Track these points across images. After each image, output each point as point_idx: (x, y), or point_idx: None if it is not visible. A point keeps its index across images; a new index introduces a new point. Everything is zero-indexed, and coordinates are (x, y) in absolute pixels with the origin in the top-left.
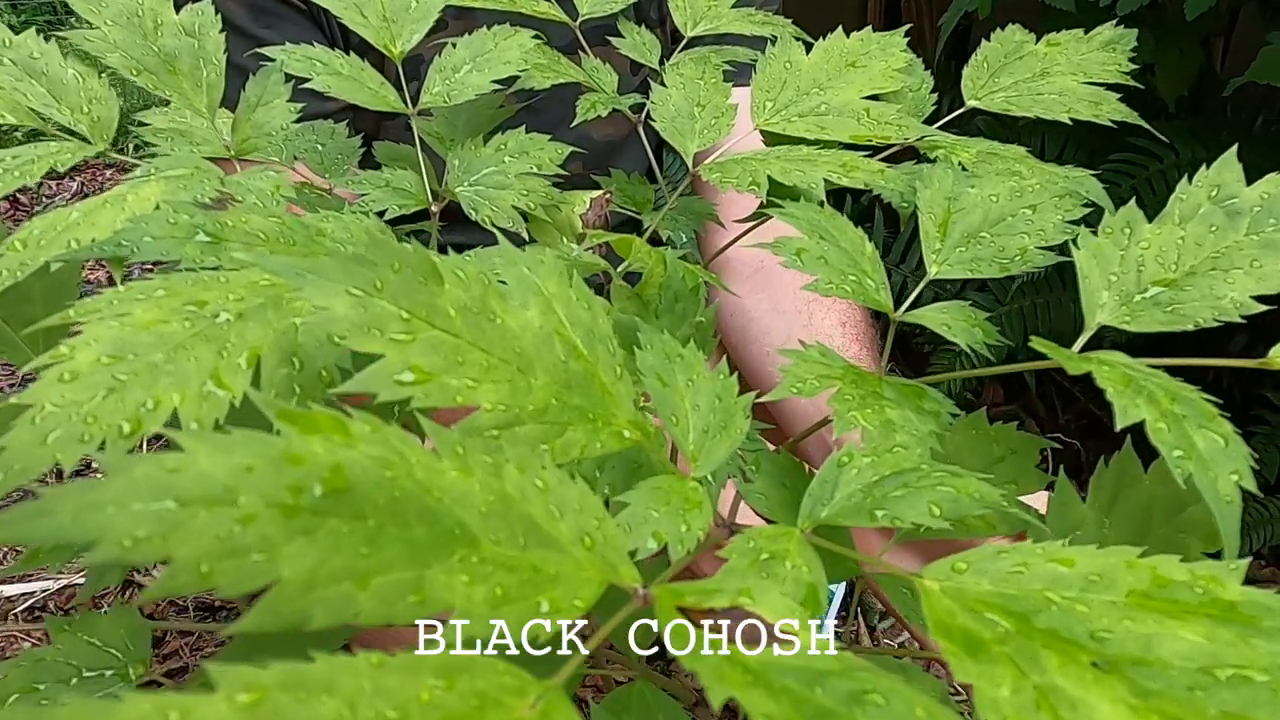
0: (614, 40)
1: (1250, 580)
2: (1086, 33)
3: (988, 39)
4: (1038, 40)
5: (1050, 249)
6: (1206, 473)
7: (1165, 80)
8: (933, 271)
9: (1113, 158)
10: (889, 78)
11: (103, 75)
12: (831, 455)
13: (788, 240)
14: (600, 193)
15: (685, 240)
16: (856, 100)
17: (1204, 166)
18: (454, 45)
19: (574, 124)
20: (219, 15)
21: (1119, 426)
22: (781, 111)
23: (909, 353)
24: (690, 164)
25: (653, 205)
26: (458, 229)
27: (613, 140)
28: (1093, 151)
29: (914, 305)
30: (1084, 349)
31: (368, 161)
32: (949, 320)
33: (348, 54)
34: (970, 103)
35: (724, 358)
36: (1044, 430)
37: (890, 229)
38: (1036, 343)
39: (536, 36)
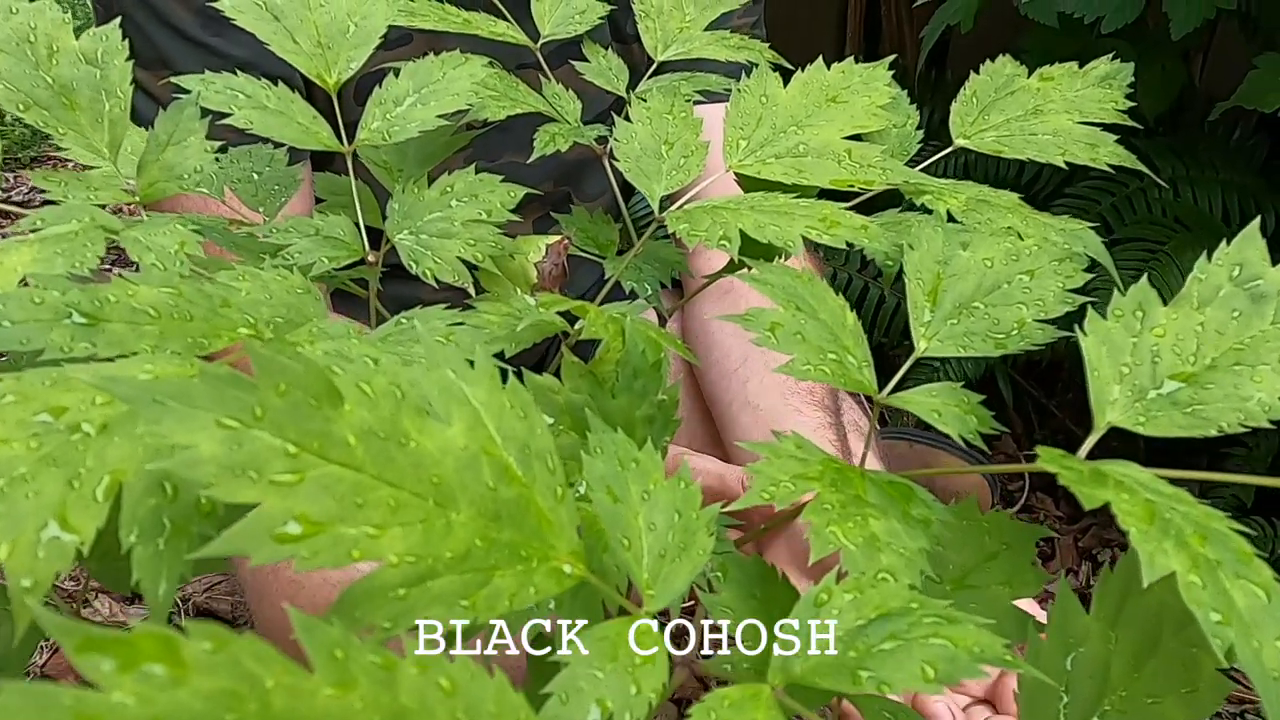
0: (577, 65)
1: None
2: (1081, 65)
3: (978, 54)
4: (1029, 74)
5: (1049, 322)
6: (1249, 641)
7: (1147, 96)
8: (921, 348)
9: (1091, 174)
10: (872, 115)
11: None
12: (809, 591)
13: (760, 314)
14: (557, 239)
15: (650, 292)
16: (837, 140)
17: (1185, 185)
18: (395, 75)
19: (531, 159)
20: (127, 41)
21: (1146, 582)
22: (756, 152)
23: (881, 359)
24: (656, 208)
25: (617, 247)
26: (400, 278)
27: (586, 157)
28: (1070, 168)
29: (901, 384)
30: (1091, 453)
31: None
32: (939, 406)
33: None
34: (959, 141)
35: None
36: (1020, 444)
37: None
38: (1045, 456)
39: (491, 61)
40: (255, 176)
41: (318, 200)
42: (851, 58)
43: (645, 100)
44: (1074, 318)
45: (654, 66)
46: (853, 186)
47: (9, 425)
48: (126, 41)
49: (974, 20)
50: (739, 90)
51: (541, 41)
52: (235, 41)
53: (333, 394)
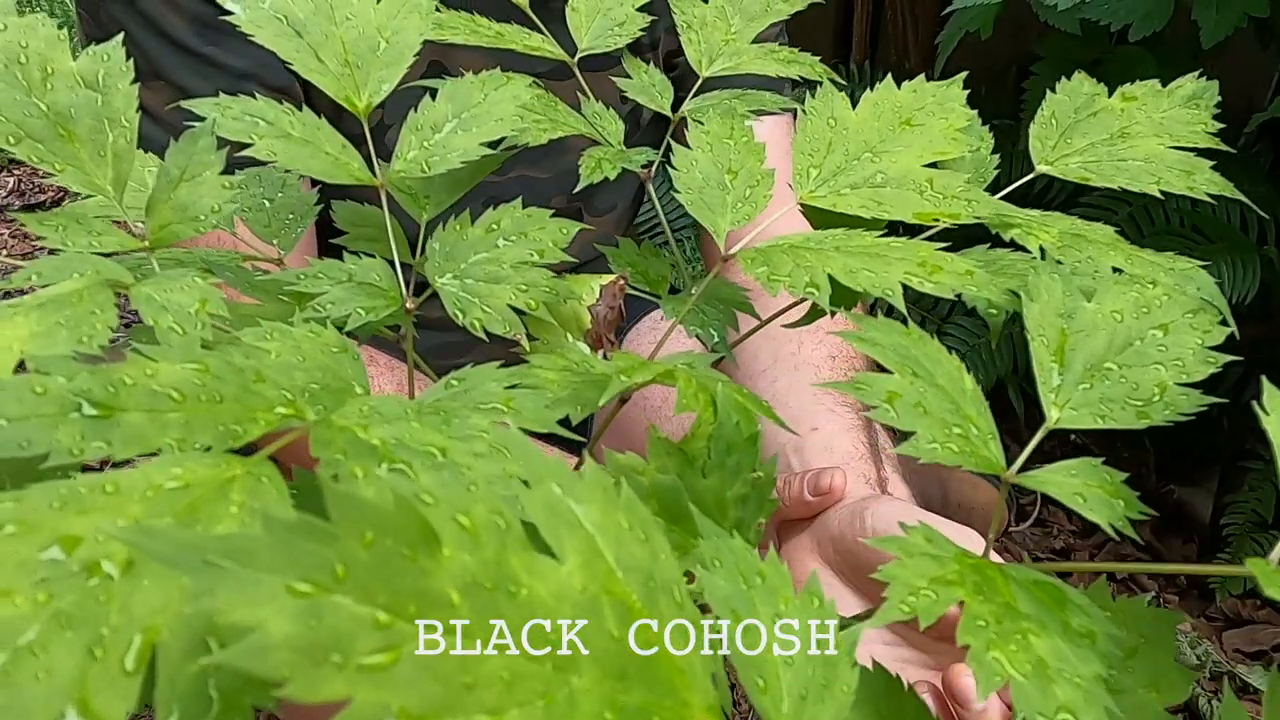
0: (619, 81)
1: (1241, 620)
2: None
3: (979, 57)
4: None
5: (1192, 386)
6: None
7: None
8: (1053, 417)
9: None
10: (951, 140)
11: None
12: None
13: (873, 381)
14: (612, 279)
15: (717, 339)
16: (917, 169)
17: None
18: (432, 97)
19: (577, 188)
20: (131, 61)
21: None
22: (829, 181)
23: None
24: (723, 246)
25: (669, 284)
26: (432, 323)
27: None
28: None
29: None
30: None
31: (325, 221)
32: (1081, 489)
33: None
34: (1041, 168)
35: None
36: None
37: None
38: (1254, 567)
39: (535, 82)
40: (266, 204)
41: (335, 231)
42: (921, 77)
43: (703, 123)
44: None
45: (698, 83)
46: (938, 220)
47: (10, 569)
48: (131, 62)
49: (993, 26)
50: (805, 113)
51: (579, 55)
52: (234, 51)
53: (428, 536)
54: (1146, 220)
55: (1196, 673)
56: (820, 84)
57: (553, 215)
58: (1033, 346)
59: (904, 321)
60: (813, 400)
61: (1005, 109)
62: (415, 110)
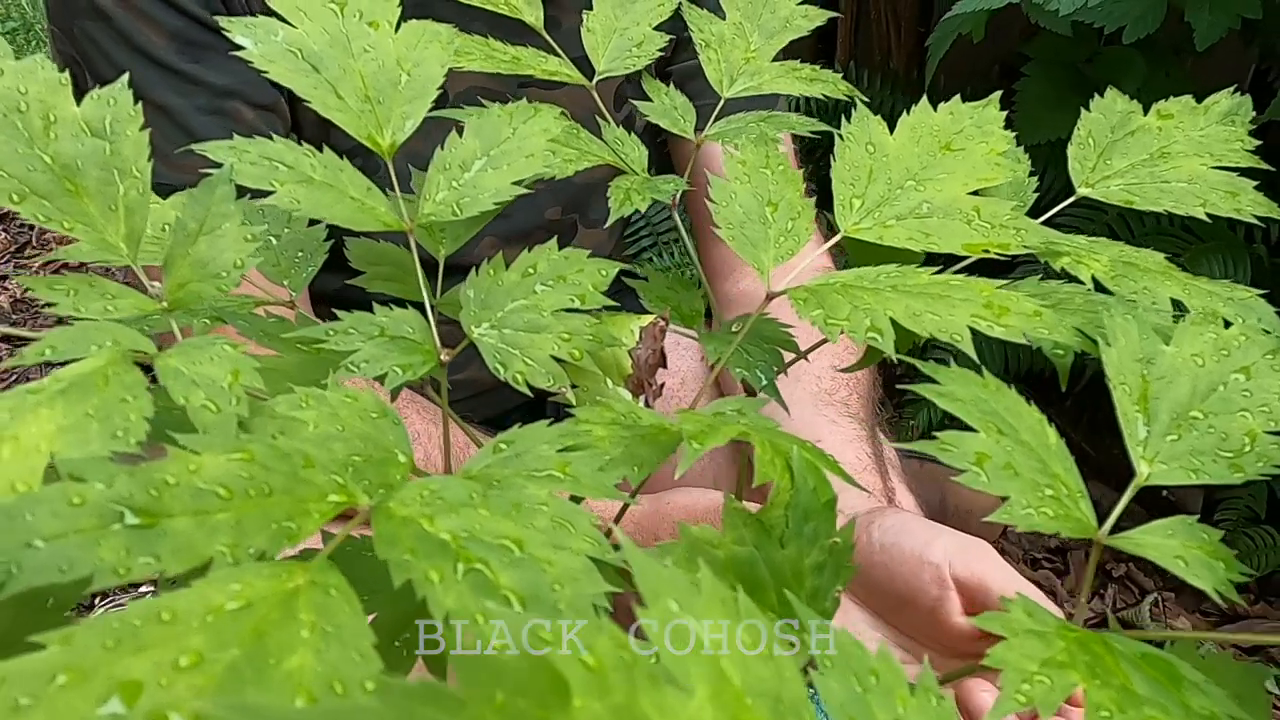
0: (639, 105)
1: (1237, 616)
2: (1198, 98)
3: (962, 58)
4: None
5: None
6: None
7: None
8: (1144, 473)
9: None
10: (994, 165)
11: None
12: None
13: (960, 441)
14: (651, 319)
15: (765, 383)
16: (963, 197)
17: None
18: (459, 133)
19: (609, 222)
20: (140, 104)
21: None
22: (874, 213)
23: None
24: (768, 283)
25: (703, 315)
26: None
27: (592, 181)
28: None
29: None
30: None
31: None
32: (1181, 551)
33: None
34: (1082, 190)
35: None
36: None
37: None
38: None
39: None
40: (273, 241)
41: (348, 270)
42: (957, 99)
43: (739, 154)
44: None
45: (720, 105)
46: (988, 251)
47: None
48: (139, 106)
49: (984, 29)
50: (842, 138)
51: (597, 79)
52: (216, 68)
53: (558, 687)
54: (1136, 220)
55: None
56: (854, 104)
57: (549, 226)
58: (1115, 396)
59: (978, 370)
60: (814, 412)
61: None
62: (442, 148)
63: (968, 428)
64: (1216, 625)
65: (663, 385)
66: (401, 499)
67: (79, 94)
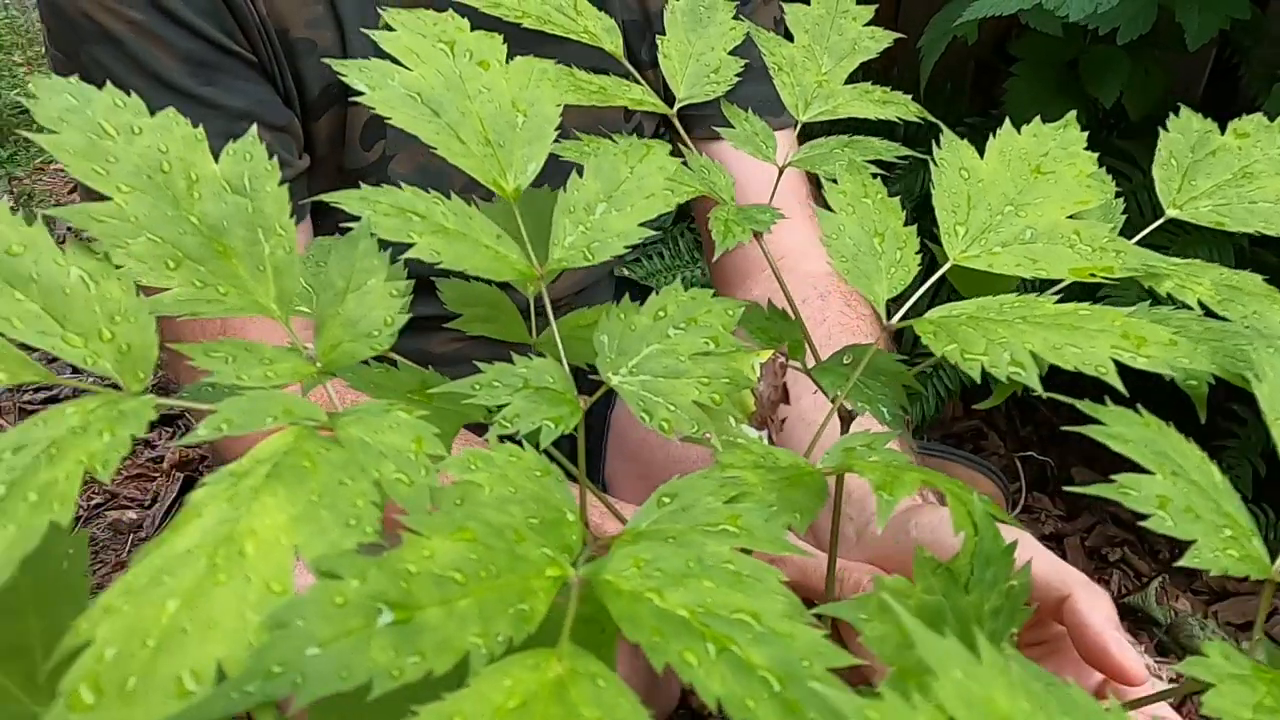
0: (722, 131)
1: (1225, 594)
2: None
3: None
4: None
5: None
6: None
7: (1132, 99)
8: None
9: None
10: (1085, 188)
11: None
12: None
13: (1139, 483)
14: (770, 355)
15: (889, 418)
16: (1063, 221)
17: None
18: (579, 174)
19: (716, 256)
20: (274, 159)
21: None
22: (979, 239)
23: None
24: (883, 314)
25: (805, 347)
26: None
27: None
28: None
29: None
30: None
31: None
32: None
33: (307, 116)
34: (1171, 212)
35: None
36: (1006, 444)
37: None
38: None
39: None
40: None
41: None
42: (1038, 120)
43: (840, 184)
44: None
45: (797, 128)
46: (1094, 275)
47: None
48: (275, 160)
49: (977, 31)
50: (936, 164)
51: (678, 105)
52: (231, 90)
53: None
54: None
55: None
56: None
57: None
58: (1274, 433)
59: (1131, 406)
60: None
61: (973, 107)
62: (564, 191)
63: (1137, 467)
64: (1209, 604)
65: (784, 420)
66: (616, 571)
67: None
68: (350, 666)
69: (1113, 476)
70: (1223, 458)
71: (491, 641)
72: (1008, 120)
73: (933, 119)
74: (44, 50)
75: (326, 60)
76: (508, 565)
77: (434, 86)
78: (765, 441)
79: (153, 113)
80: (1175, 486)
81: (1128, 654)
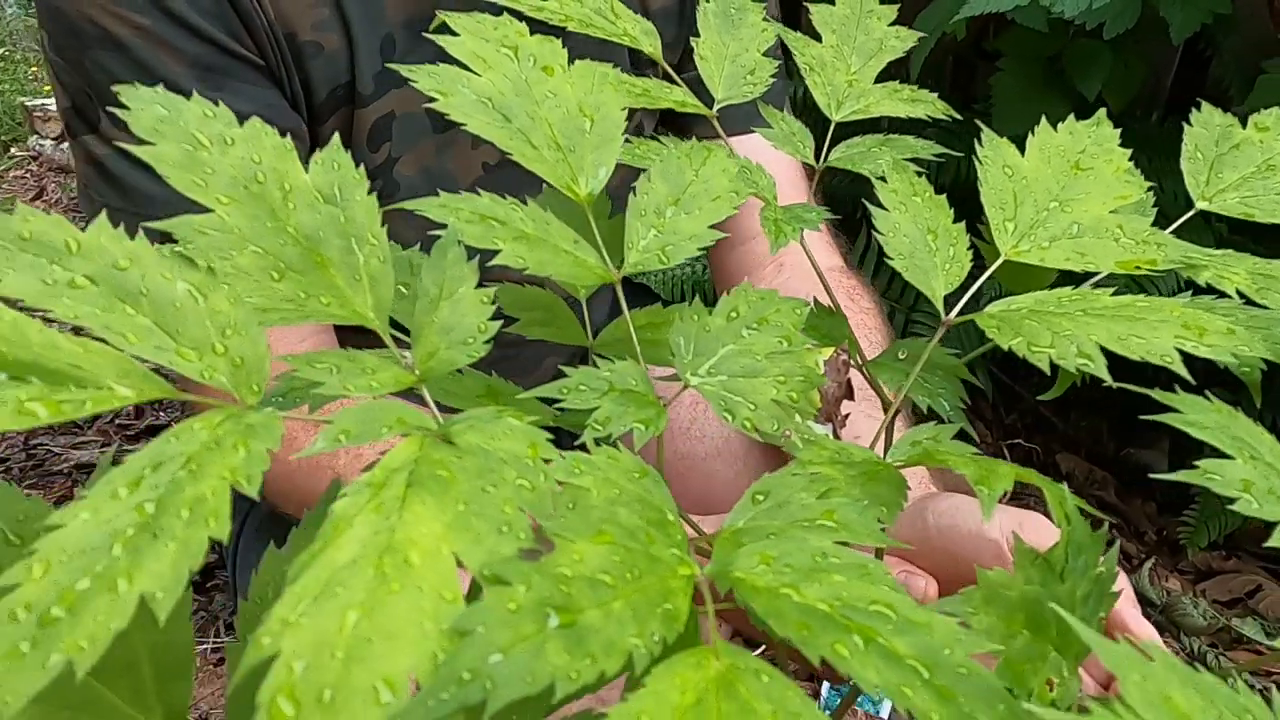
0: (759, 130)
1: (1211, 572)
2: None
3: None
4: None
5: None
6: None
7: (1113, 91)
8: None
9: None
10: (1125, 183)
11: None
12: None
13: (1222, 468)
14: (832, 352)
15: (950, 410)
16: (1107, 216)
17: (1152, 175)
18: (648, 177)
19: (775, 252)
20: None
21: None
22: (1028, 235)
23: None
24: (941, 310)
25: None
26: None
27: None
28: None
29: None
30: None
31: None
32: None
33: (314, 119)
34: (1200, 205)
35: None
36: (993, 432)
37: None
38: None
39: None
40: (402, 291)
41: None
42: (1072, 118)
43: (889, 183)
44: None
45: (831, 129)
46: (1138, 266)
47: None
48: (361, 170)
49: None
50: (981, 162)
51: (717, 107)
52: (239, 95)
53: None
54: None
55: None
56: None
57: None
58: None
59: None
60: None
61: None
62: (634, 194)
63: (1217, 452)
64: (1195, 583)
65: (847, 416)
66: (746, 568)
67: (88, 126)
68: (533, 671)
69: (1196, 462)
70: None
71: (649, 641)
72: (1044, 119)
73: (957, 115)
74: (43, 57)
75: (392, 65)
76: (647, 566)
77: (503, 92)
78: (831, 437)
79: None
80: (1256, 470)
81: (1145, 629)
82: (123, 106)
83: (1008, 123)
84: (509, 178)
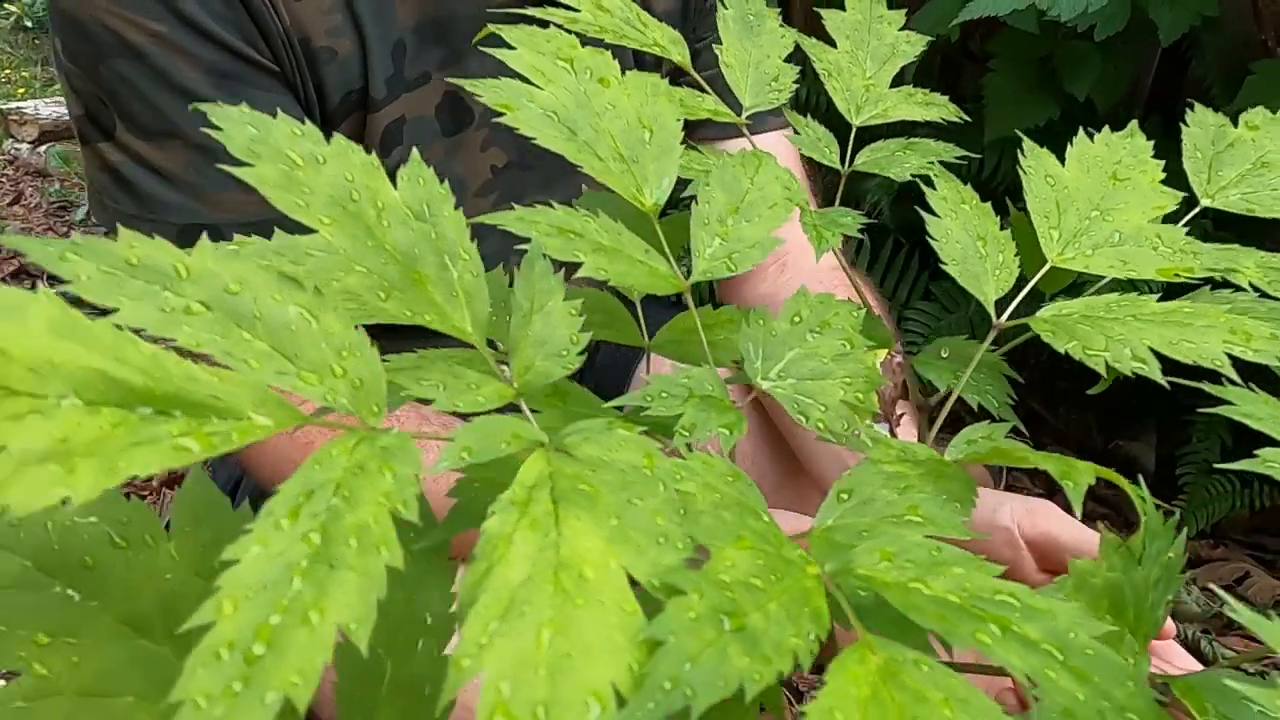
0: (789, 135)
1: (1199, 561)
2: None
3: None
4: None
5: None
6: None
7: (1101, 92)
8: None
9: None
10: (1161, 193)
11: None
12: None
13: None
14: (886, 354)
15: (998, 406)
16: (1146, 225)
17: None
18: (707, 184)
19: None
20: (177, 143)
21: None
22: (1073, 243)
23: None
24: (993, 314)
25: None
26: None
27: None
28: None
29: None
30: None
31: None
32: None
33: (326, 125)
34: (1205, 202)
35: None
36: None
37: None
38: None
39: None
40: None
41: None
42: (1107, 130)
43: (937, 192)
44: None
45: (853, 133)
46: (1176, 274)
47: None
48: (446, 185)
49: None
50: (1025, 172)
51: (746, 114)
52: (255, 102)
53: None
54: None
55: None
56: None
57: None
58: None
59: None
60: None
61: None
62: (695, 204)
63: (1271, 441)
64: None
65: (902, 415)
66: (868, 565)
67: (102, 133)
68: (724, 675)
69: (1256, 451)
70: (1193, 433)
71: (805, 640)
72: (1081, 131)
73: (967, 118)
74: (55, 67)
75: (453, 81)
76: (784, 569)
77: (565, 105)
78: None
79: (181, 125)
80: None
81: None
82: (129, 110)
83: (999, 123)
84: (515, 181)
